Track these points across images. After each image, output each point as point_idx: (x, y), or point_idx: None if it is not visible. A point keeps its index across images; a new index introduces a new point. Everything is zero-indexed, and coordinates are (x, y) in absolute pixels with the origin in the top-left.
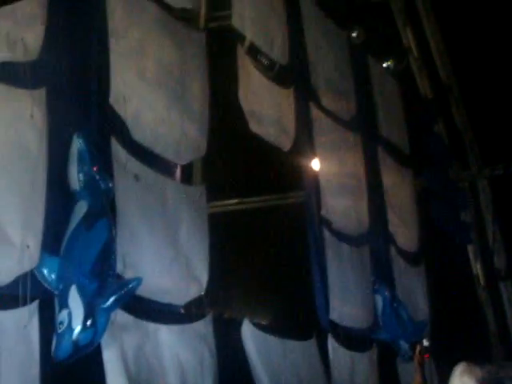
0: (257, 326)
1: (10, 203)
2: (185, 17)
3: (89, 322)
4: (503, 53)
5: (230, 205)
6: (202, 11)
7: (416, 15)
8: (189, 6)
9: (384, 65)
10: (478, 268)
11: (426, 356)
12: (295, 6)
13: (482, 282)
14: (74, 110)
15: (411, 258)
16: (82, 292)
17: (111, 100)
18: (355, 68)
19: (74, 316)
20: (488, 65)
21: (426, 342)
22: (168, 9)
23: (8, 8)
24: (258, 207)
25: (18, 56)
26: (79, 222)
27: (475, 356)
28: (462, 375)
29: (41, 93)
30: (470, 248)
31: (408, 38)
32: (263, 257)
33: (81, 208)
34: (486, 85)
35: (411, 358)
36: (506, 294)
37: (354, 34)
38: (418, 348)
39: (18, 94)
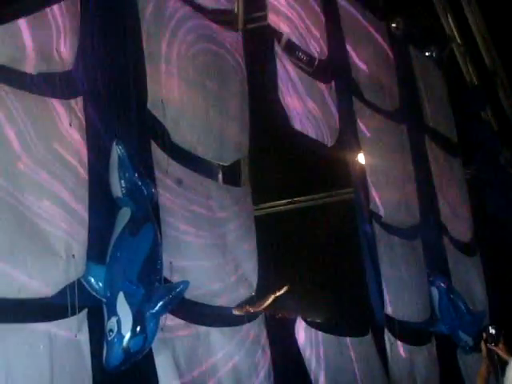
0: (310, 324)
1: (53, 214)
2: (223, 19)
3: (138, 328)
4: None
5: (279, 205)
6: (240, 13)
7: (456, 1)
8: (223, 6)
9: (426, 53)
10: None
11: (493, 345)
12: (331, 1)
13: None
14: (113, 117)
15: (466, 248)
16: (129, 298)
17: (149, 105)
18: (397, 58)
19: (123, 323)
20: None
21: (492, 330)
22: (202, 10)
23: (42, 19)
24: (307, 206)
25: (54, 66)
26: (123, 229)
27: None
28: None
29: (78, 102)
30: None
31: (450, 25)
32: (315, 255)
33: (124, 214)
34: None
35: (472, 349)
36: None
37: (393, 25)
38: (484, 336)
39: (56, 104)
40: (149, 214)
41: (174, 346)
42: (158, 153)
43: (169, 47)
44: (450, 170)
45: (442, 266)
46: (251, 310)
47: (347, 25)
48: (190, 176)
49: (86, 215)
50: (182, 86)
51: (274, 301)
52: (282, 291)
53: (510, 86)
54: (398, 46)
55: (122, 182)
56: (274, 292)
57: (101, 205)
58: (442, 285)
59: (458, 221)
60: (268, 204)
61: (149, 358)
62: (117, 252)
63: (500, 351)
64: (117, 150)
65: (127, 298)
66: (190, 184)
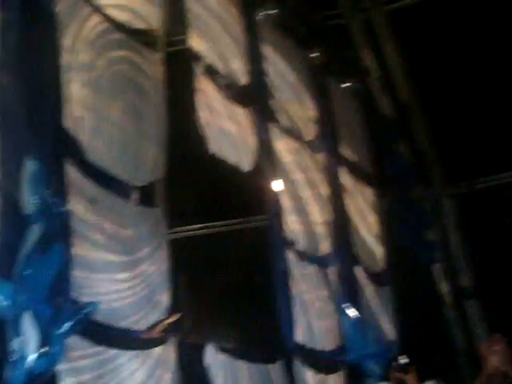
0: (221, 350)
1: None
2: (143, 40)
3: (44, 349)
4: (463, 68)
5: (194, 230)
6: (161, 35)
7: (375, 36)
8: (145, 26)
9: (344, 85)
10: (444, 287)
11: (404, 375)
12: (253, 26)
13: (448, 301)
14: (27, 132)
15: (376, 279)
16: (35, 319)
17: (65, 121)
18: (315, 88)
19: (28, 343)
20: (448, 81)
21: (401, 360)
22: (123, 28)
23: None
24: (221, 231)
25: None
26: (32, 247)
27: (443, 376)
28: None
29: None
30: (436, 267)
31: (367, 59)
32: (227, 281)
33: (34, 232)
34: (447, 103)
35: (380, 379)
36: (472, 312)
37: (313, 55)
38: (394, 366)
39: None
40: (60, 233)
41: (80, 368)
42: (72, 171)
43: (88, 65)
44: (364, 201)
45: (353, 295)
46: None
47: (268, 51)
48: (104, 195)
49: None
50: (99, 105)
51: (165, 329)
52: (171, 319)
53: (425, 120)
54: (316, 75)
55: (34, 198)
56: (163, 320)
57: (11, 221)
58: (353, 314)
59: (371, 251)
60: (182, 228)
61: (53, 381)
62: (24, 271)
63: (409, 381)
64: (30, 166)
65: (34, 317)
66: (104, 204)
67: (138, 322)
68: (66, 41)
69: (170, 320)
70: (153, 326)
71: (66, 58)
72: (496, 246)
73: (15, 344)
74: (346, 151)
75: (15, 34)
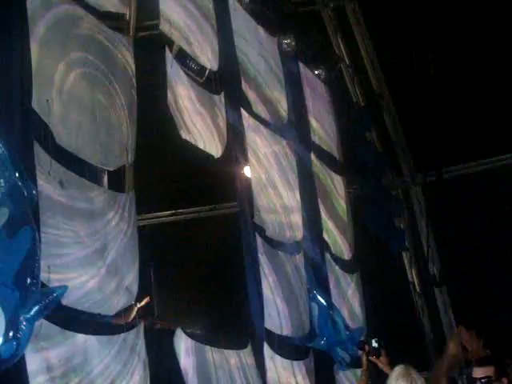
0: (190, 335)
1: None
2: (114, 25)
3: (11, 334)
4: (433, 59)
5: (163, 216)
6: (132, 19)
7: (347, 23)
8: (116, 9)
9: (316, 72)
10: (413, 274)
11: (375, 356)
12: (225, 12)
13: (417, 288)
14: None
15: (346, 266)
16: (3, 302)
17: (34, 103)
18: (286, 75)
19: None
20: (418, 71)
21: (374, 343)
22: (93, 11)
23: None
24: (191, 218)
25: None
26: (0, 230)
27: (411, 362)
28: (397, 377)
29: None
30: (405, 255)
31: (339, 46)
32: (197, 267)
33: (2, 215)
34: (418, 91)
35: (349, 366)
36: (441, 299)
37: (285, 41)
38: (366, 349)
39: None
40: (28, 216)
41: (49, 353)
42: (40, 153)
43: (57, 46)
44: (334, 188)
45: (323, 282)
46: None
47: (239, 37)
48: (73, 179)
49: None
50: (68, 87)
51: (137, 312)
52: (143, 302)
53: (395, 109)
54: (288, 62)
55: (1, 181)
56: (135, 303)
57: None
58: (322, 301)
59: (340, 239)
60: (151, 214)
61: (21, 366)
62: None
63: (381, 364)
64: None
65: (1, 301)
66: (73, 187)
67: (107, 306)
68: (36, 22)
69: (142, 304)
70: (122, 311)
71: (35, 40)
72: (464, 235)
73: None
74: (317, 138)
75: None
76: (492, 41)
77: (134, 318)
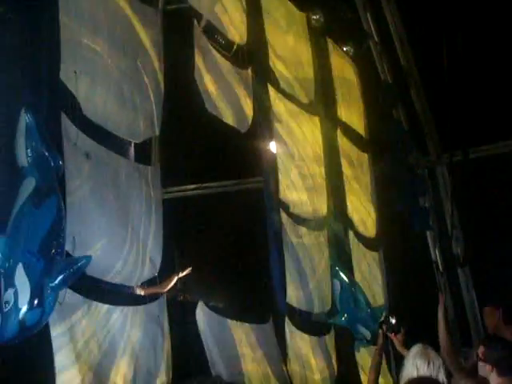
0: (212, 308)
1: None
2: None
3: (36, 302)
4: (463, 37)
5: (188, 190)
6: None
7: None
8: None
9: (344, 48)
10: (436, 254)
11: (392, 334)
12: None
13: (440, 267)
14: (23, 84)
15: (369, 243)
16: (28, 271)
17: (62, 75)
18: (314, 50)
19: (21, 295)
20: (447, 49)
21: (392, 320)
22: None
23: None
24: (215, 192)
25: None
26: (27, 199)
27: (433, 343)
28: (415, 357)
29: None
30: (429, 234)
31: (368, 23)
32: (220, 241)
33: (28, 185)
34: (446, 70)
35: (369, 343)
36: (463, 279)
37: (314, 17)
38: (384, 328)
39: None
40: (54, 186)
41: (72, 322)
42: (67, 125)
43: (86, 19)
44: (360, 166)
45: (346, 259)
46: (154, 290)
47: (268, 13)
48: (100, 151)
49: None
50: (96, 59)
51: (176, 282)
52: (185, 272)
53: (423, 87)
54: (316, 38)
55: (29, 151)
56: (177, 273)
57: (4, 173)
58: (345, 278)
59: (365, 216)
60: (176, 188)
61: (45, 333)
62: (18, 223)
63: (397, 342)
64: (25, 118)
65: (26, 270)
66: (99, 159)
67: (130, 277)
68: None
69: (182, 274)
70: (145, 282)
71: (64, 13)
72: (488, 215)
73: (7, 296)
74: (344, 115)
75: None
76: None
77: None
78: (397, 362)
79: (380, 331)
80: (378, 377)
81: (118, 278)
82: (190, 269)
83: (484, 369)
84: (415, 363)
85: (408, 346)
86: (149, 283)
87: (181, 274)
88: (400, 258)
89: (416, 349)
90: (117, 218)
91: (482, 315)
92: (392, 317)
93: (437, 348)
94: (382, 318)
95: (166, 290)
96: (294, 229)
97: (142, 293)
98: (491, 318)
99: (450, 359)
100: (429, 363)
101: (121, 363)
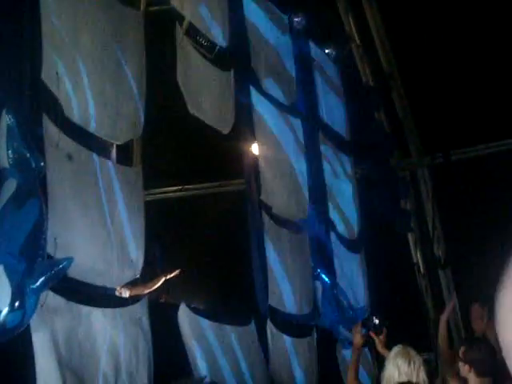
0: (194, 310)
1: None
2: (124, 0)
3: (17, 304)
4: (445, 40)
5: (169, 192)
6: None
7: (358, 2)
8: None
9: (326, 51)
10: (417, 255)
11: (374, 334)
12: None
13: (421, 269)
14: (4, 85)
15: (351, 245)
16: (9, 272)
17: (43, 76)
18: (296, 52)
19: (1, 297)
20: (429, 52)
21: (376, 320)
22: None
23: None
24: (197, 194)
25: None
26: (8, 201)
27: (413, 344)
28: (396, 357)
29: None
30: (410, 236)
31: (350, 25)
32: (202, 243)
33: (10, 186)
34: (428, 72)
35: (351, 344)
36: (445, 281)
37: (295, 19)
38: (358, 326)
39: None
40: (35, 188)
41: (54, 324)
42: (49, 126)
43: (67, 20)
44: (341, 168)
45: (327, 261)
46: (139, 290)
47: (250, 14)
48: (81, 152)
49: None
50: (78, 60)
51: (162, 283)
52: (173, 274)
53: (404, 89)
54: (298, 39)
55: (10, 152)
56: (165, 274)
57: None
58: (326, 279)
59: (346, 218)
60: (158, 190)
61: (26, 335)
62: None
63: (379, 343)
64: (6, 119)
65: (7, 271)
66: (81, 160)
67: (112, 279)
68: None
69: (170, 275)
70: (127, 285)
71: (45, 14)
72: (469, 217)
73: None
74: (325, 117)
75: None
76: (505, 21)
77: (132, 290)
78: (378, 363)
79: (356, 329)
80: (357, 375)
81: (100, 280)
82: (177, 271)
83: (464, 369)
84: (396, 363)
85: (389, 347)
86: (130, 284)
87: (168, 276)
88: (381, 259)
89: (397, 349)
90: (98, 220)
91: (469, 315)
92: (375, 317)
93: (417, 349)
94: (365, 317)
95: (151, 290)
96: (275, 230)
97: (127, 293)
98: (479, 320)
99: (445, 364)
100: (409, 363)
101: (102, 365)
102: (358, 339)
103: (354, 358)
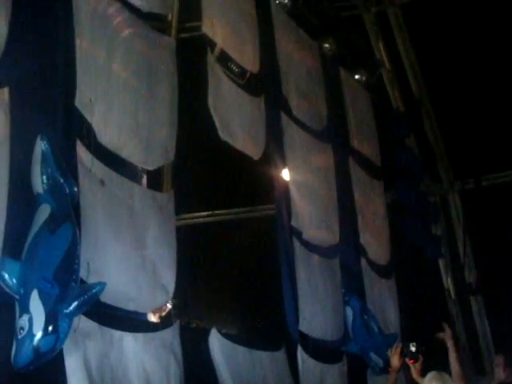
0: (225, 335)
1: None
2: (156, 26)
3: (50, 328)
4: (474, 66)
5: (201, 217)
6: (174, 20)
7: (388, 28)
8: (158, 10)
9: (356, 77)
10: (448, 281)
11: (411, 361)
12: (267, 15)
13: (452, 295)
14: (39, 111)
15: (382, 271)
16: (43, 297)
17: (77, 102)
18: (327, 79)
19: (35, 321)
20: (459, 78)
21: (413, 348)
22: (137, 12)
23: None
24: (227, 219)
25: None
26: (42, 226)
27: (444, 370)
28: (430, 381)
29: (4, 92)
30: (441, 262)
31: (380, 51)
32: (233, 268)
33: (44, 211)
34: (458, 98)
35: (382, 371)
36: (476, 307)
37: (326, 45)
38: (398, 348)
39: None
40: (69, 213)
41: (86, 348)
42: (82, 151)
43: (101, 46)
44: (372, 193)
45: (358, 286)
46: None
47: (281, 41)
48: (114, 177)
49: (4, 209)
50: (111, 87)
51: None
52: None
53: (435, 115)
54: (328, 66)
55: (44, 177)
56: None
57: (20, 200)
58: (357, 305)
59: (377, 244)
60: (189, 215)
61: (59, 360)
62: (33, 249)
63: (414, 370)
64: (41, 145)
65: (41, 296)
66: (113, 186)
67: (144, 304)
68: (81, 21)
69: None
70: (158, 309)
71: (80, 40)
72: (501, 243)
73: (22, 322)
74: (356, 142)
75: (28, 14)
76: None
77: (171, 316)
78: None
79: (395, 352)
80: None
81: (132, 305)
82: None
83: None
84: None
85: (424, 375)
86: (162, 309)
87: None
88: (412, 285)
89: (432, 374)
90: (130, 245)
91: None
92: (412, 344)
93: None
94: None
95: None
96: (306, 256)
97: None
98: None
99: None
100: None
101: None
102: (395, 362)
103: (391, 380)
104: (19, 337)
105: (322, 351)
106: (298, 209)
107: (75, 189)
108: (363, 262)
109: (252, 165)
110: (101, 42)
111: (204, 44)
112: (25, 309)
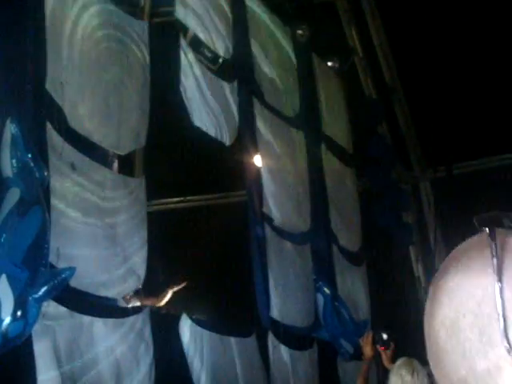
0: (195, 321)
1: None
2: (128, 11)
3: (19, 313)
4: (447, 54)
5: (172, 203)
6: (147, 5)
7: (361, 15)
8: None
9: (329, 63)
10: (419, 269)
11: (382, 348)
12: (239, 2)
13: (422, 282)
14: (8, 95)
15: (353, 258)
16: (12, 282)
17: (47, 85)
18: (299, 65)
19: (4, 306)
20: (432, 66)
21: (384, 335)
22: None
23: None
24: (199, 206)
25: None
26: (11, 210)
27: (416, 356)
28: (400, 367)
29: None
30: (412, 249)
31: (353, 38)
32: (205, 254)
33: (13, 195)
34: (430, 86)
35: (352, 357)
36: None
37: (299, 32)
38: (369, 337)
39: None
40: (38, 197)
41: (55, 334)
42: (53, 135)
43: (72, 30)
44: (344, 180)
45: (329, 273)
46: (144, 302)
47: (254, 26)
48: (85, 162)
49: None
50: (83, 71)
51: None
52: (179, 286)
53: (407, 103)
54: (301, 52)
55: (14, 161)
56: (171, 287)
57: None
58: (328, 292)
59: (348, 231)
60: (160, 200)
61: (28, 345)
62: (2, 233)
63: (385, 357)
64: (10, 129)
65: (10, 280)
66: (84, 170)
67: (114, 289)
68: (51, 5)
69: (177, 288)
70: (128, 295)
71: (50, 23)
72: (471, 231)
73: None
74: (328, 130)
75: None
76: (508, 35)
77: (141, 301)
78: (383, 378)
79: (367, 341)
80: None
81: (102, 290)
82: (184, 283)
83: None
84: (400, 373)
85: (394, 361)
86: (132, 295)
87: (175, 288)
88: (383, 272)
89: (401, 360)
90: (100, 230)
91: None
92: (384, 332)
93: (420, 362)
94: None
95: (160, 303)
96: (277, 242)
97: (136, 303)
98: None
99: None
100: (413, 373)
101: (103, 376)
102: (368, 351)
103: (364, 369)
104: None
105: (293, 338)
106: (270, 195)
107: (45, 173)
108: (334, 248)
109: (224, 151)
110: (72, 25)
111: (177, 29)
112: None
